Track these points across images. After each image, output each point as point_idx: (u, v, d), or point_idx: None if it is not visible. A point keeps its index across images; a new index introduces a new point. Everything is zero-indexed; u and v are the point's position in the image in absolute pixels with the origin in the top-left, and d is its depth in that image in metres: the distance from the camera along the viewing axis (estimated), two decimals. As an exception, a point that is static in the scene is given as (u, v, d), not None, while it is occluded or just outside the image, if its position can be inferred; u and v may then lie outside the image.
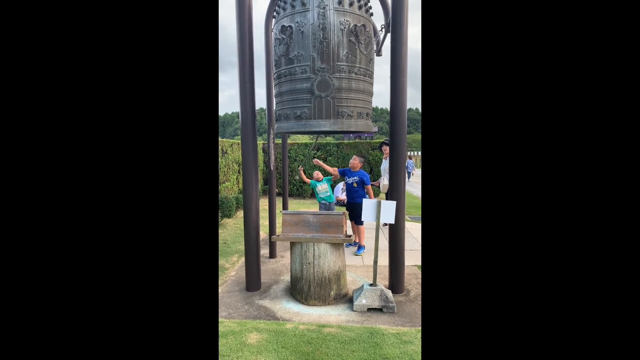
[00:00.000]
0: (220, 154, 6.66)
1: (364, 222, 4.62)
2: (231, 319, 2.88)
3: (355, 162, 4.67)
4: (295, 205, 8.26)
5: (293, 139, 10.61)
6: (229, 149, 7.17)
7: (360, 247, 4.79)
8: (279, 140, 5.22)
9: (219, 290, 3.57)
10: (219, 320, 2.79)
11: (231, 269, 4.18)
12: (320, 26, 2.69)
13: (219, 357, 2.15)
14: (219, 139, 7.81)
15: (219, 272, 3.96)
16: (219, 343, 2.31)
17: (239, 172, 7.73)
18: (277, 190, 6.98)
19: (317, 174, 4.91)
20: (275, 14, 3.06)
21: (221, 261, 4.30)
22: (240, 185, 7.90)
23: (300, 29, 2.75)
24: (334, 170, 4.79)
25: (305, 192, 9.54)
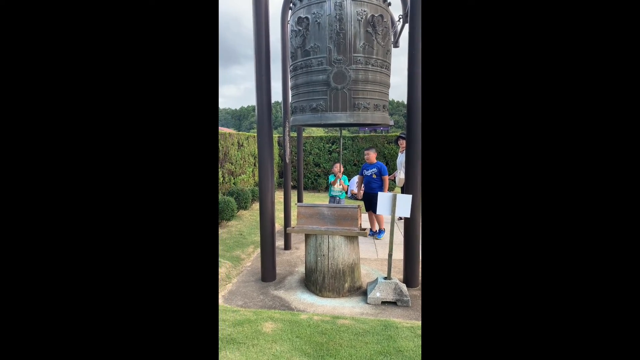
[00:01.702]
0: (236, 147, 6.74)
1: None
2: (247, 308, 2.94)
3: (370, 155, 4.71)
4: (309, 198, 8.30)
5: (308, 132, 10.61)
6: (245, 141, 7.24)
7: (380, 231, 4.92)
8: (294, 134, 5.23)
9: (235, 280, 3.65)
10: (236, 308, 2.86)
11: (247, 259, 4.26)
12: (337, 17, 2.66)
13: (236, 344, 2.21)
14: (235, 131, 7.91)
15: (236, 263, 4.05)
16: (236, 330, 2.37)
17: (254, 165, 7.82)
18: (291, 183, 7.03)
19: (337, 168, 4.90)
20: (291, 5, 3.05)
21: (237, 252, 4.38)
22: (256, 178, 7.99)
23: (316, 20, 2.73)
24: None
25: (320, 185, 9.56)
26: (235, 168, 6.66)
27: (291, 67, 3.11)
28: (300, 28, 2.83)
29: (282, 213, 4.79)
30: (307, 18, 2.78)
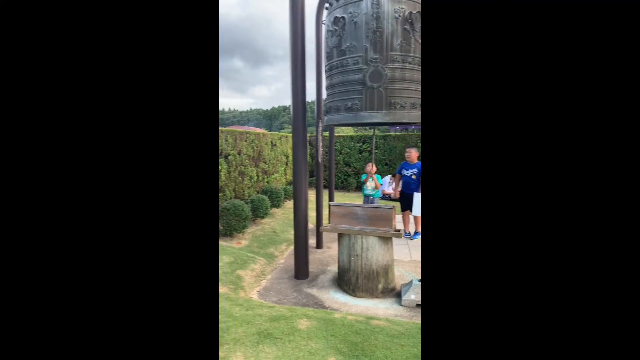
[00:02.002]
0: (270, 147, 6.90)
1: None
2: (281, 304, 3.01)
3: (412, 153, 4.62)
4: (339, 197, 8.30)
5: (338, 132, 10.60)
6: (278, 141, 7.39)
7: (416, 233, 4.86)
8: (326, 133, 5.26)
9: (269, 276, 3.74)
10: (271, 304, 2.93)
11: (280, 256, 4.35)
12: (374, 15, 2.64)
13: (273, 338, 2.27)
14: (268, 132, 8.09)
15: (269, 259, 4.15)
16: (272, 326, 2.43)
17: (286, 164, 7.95)
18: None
19: (369, 167, 4.87)
20: (327, 5, 3.06)
21: (271, 249, 4.49)
22: (288, 177, 8.12)
23: (353, 20, 2.72)
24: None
25: (349, 185, 9.52)
26: (269, 167, 6.82)
27: (326, 67, 3.13)
28: (337, 28, 2.84)
29: (314, 212, 4.83)
30: (343, 17, 2.78)
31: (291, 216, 6.56)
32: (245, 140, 5.81)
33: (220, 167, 5.01)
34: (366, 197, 4.90)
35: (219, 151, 5.03)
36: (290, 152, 8.24)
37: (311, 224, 5.43)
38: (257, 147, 6.25)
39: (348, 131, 10.85)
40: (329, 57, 3.04)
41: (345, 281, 3.25)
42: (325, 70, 3.18)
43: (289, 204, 7.25)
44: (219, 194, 5.03)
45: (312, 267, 3.88)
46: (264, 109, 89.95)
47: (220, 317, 2.50)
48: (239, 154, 5.61)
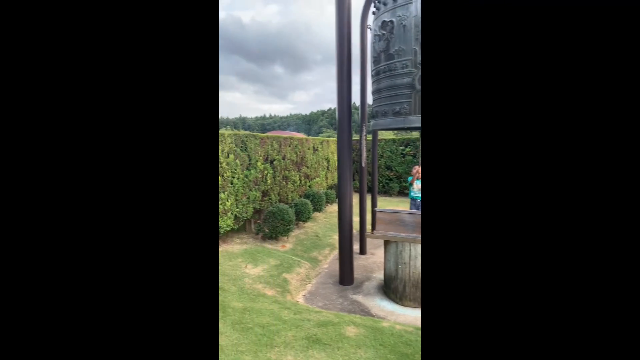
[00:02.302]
0: (312, 151, 6.99)
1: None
2: (328, 310, 3.01)
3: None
4: (382, 202, 8.15)
5: (379, 135, 10.46)
6: (319, 146, 7.47)
7: None
8: (369, 137, 5.21)
9: (314, 281, 3.77)
10: (317, 309, 2.95)
11: (324, 261, 4.37)
12: (424, 17, 2.57)
13: (322, 344, 2.28)
14: (308, 137, 8.19)
15: (314, 264, 4.18)
16: (320, 331, 2.44)
17: (327, 169, 7.99)
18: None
19: (416, 169, 4.73)
20: (374, 10, 3.04)
21: (314, 253, 4.52)
22: (329, 181, 8.16)
23: (402, 23, 2.67)
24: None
25: (391, 189, 9.32)
26: (311, 171, 6.90)
27: (373, 72, 3.10)
28: (384, 32, 2.81)
29: (357, 217, 4.79)
30: (391, 21, 2.75)
31: (333, 220, 6.62)
32: (289, 146, 5.95)
33: (266, 172, 5.17)
34: (413, 200, 4.75)
35: (265, 156, 5.20)
36: (331, 156, 8.28)
37: (355, 230, 5.39)
38: (299, 152, 6.37)
39: (389, 134, 10.66)
40: (376, 61, 3.01)
41: (392, 289, 3.17)
42: (372, 75, 3.16)
43: (330, 208, 7.27)
44: (265, 198, 5.19)
45: (357, 274, 3.84)
46: (303, 113, 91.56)
47: (269, 319, 2.57)
48: (284, 158, 5.75)
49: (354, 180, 8.83)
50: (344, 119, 3.37)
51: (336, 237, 5.12)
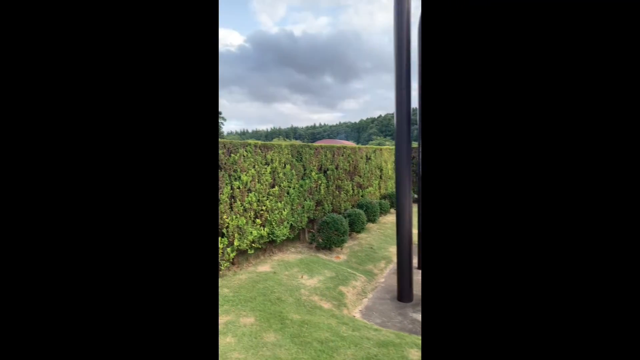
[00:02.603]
0: (364, 160, 6.88)
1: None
2: (386, 328, 2.86)
3: None
4: (439, 213, 7.70)
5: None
6: (372, 155, 7.33)
7: None
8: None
9: (370, 295, 3.63)
10: (376, 327, 2.82)
11: (380, 275, 4.21)
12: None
13: (384, 367, 2.15)
14: (361, 145, 8.09)
15: (369, 277, 4.05)
16: (381, 352, 2.32)
17: (380, 178, 7.80)
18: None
19: None
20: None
21: (369, 266, 4.39)
22: (382, 191, 7.95)
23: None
24: None
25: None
26: (363, 181, 6.79)
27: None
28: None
29: (416, 229, 4.55)
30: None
31: (387, 232, 6.40)
32: (342, 155, 5.92)
33: (320, 182, 5.19)
34: None
35: (319, 166, 5.23)
36: (384, 165, 8.08)
37: (413, 243, 5.14)
38: (352, 161, 6.30)
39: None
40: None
41: (457, 310, 2.91)
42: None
43: (384, 219, 7.06)
44: (318, 208, 5.20)
45: (417, 290, 3.62)
46: (353, 121, 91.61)
47: (327, 334, 2.51)
48: (337, 168, 5.73)
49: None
50: (402, 127, 3.24)
51: (392, 249, 4.92)
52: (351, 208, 6.00)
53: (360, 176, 6.64)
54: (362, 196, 6.74)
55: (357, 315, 3.18)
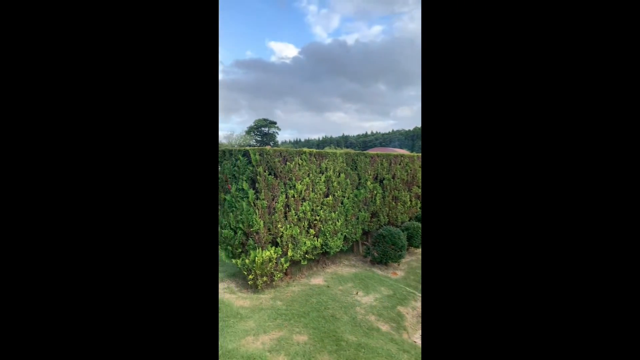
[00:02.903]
0: (423, 170, 6.47)
1: None
2: None
3: None
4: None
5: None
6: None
7: None
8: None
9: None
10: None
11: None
12: None
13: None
14: (418, 154, 7.65)
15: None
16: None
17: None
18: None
19: None
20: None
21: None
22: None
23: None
24: None
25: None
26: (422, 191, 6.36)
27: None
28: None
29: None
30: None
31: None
32: (400, 164, 5.60)
33: (375, 192, 4.94)
34: None
35: (375, 175, 4.99)
36: (444, 174, 7.51)
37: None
38: (410, 170, 5.94)
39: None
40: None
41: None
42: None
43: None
44: (373, 219, 4.95)
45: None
46: (406, 129, 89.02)
47: (388, 363, 2.25)
48: (393, 177, 5.43)
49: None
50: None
51: (455, 268, 4.46)
52: (409, 221, 5.63)
53: (418, 186, 6.23)
54: (420, 208, 6.31)
55: (419, 342, 2.85)
